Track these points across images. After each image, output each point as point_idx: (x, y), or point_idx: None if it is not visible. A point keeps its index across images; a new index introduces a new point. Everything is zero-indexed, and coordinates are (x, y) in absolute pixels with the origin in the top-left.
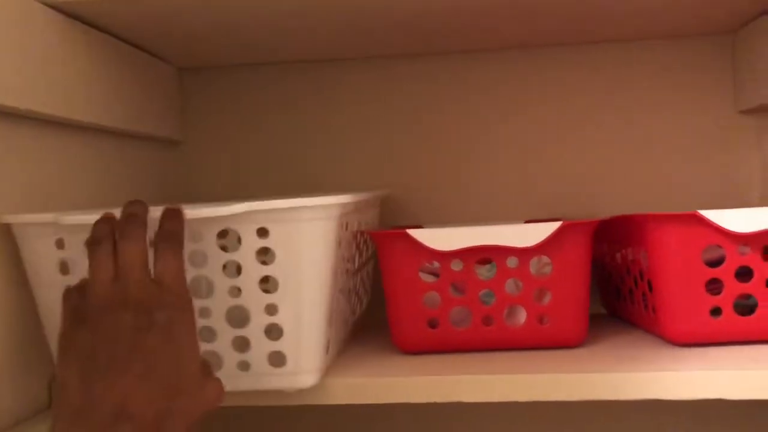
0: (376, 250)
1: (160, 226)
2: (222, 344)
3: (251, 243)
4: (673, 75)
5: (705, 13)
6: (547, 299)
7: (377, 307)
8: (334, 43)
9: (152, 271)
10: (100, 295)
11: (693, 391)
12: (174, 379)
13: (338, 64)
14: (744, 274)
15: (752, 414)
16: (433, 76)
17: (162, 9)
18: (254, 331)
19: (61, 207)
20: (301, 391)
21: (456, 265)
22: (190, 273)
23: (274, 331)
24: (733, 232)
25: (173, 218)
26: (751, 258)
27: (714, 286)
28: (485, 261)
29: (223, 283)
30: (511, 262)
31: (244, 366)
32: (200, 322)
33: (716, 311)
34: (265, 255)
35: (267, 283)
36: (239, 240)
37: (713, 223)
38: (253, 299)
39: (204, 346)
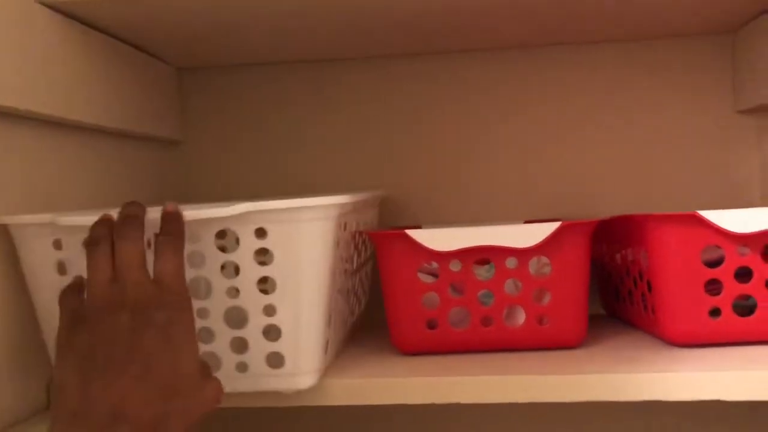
0: (375, 250)
1: (161, 226)
2: (220, 345)
3: (250, 243)
4: (673, 75)
5: (705, 12)
6: (547, 300)
7: (376, 307)
8: (334, 43)
9: (152, 271)
10: (97, 296)
11: (692, 391)
12: (172, 379)
13: (338, 64)
14: (743, 274)
15: (752, 414)
16: (432, 75)
17: (161, 9)
18: (252, 332)
19: (61, 207)
20: (299, 392)
21: (455, 266)
22: (189, 274)
23: (272, 332)
24: (733, 232)
25: (173, 217)
26: (750, 258)
27: (713, 286)
28: (484, 261)
29: (221, 283)
30: (510, 262)
31: (243, 367)
32: (198, 323)
33: (715, 312)
34: (263, 255)
35: (265, 284)
36: (237, 240)
37: (713, 223)
38: (252, 300)
39: (202, 347)
